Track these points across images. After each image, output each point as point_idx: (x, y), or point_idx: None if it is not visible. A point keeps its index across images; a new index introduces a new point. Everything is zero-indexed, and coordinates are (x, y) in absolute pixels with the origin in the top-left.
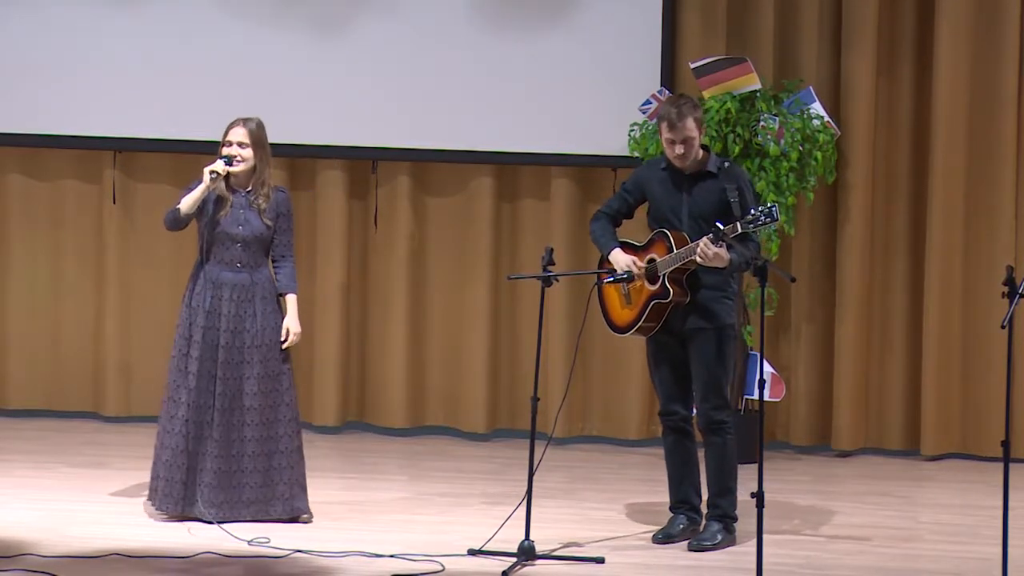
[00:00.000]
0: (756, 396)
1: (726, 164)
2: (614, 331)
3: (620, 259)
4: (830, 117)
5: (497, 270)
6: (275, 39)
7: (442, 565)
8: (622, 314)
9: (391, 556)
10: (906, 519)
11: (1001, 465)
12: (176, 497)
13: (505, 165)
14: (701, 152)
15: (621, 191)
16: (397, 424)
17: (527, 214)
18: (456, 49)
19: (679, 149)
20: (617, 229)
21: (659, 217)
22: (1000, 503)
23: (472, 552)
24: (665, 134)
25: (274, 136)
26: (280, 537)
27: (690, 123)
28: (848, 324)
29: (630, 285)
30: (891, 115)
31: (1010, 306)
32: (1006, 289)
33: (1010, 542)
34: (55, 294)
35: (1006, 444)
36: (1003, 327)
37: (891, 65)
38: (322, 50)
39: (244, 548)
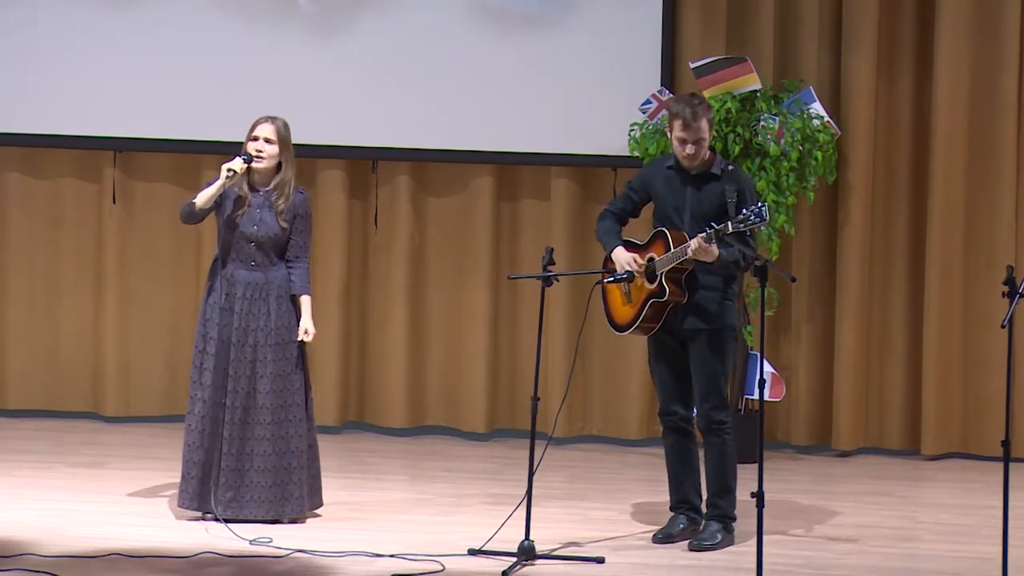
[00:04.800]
0: (756, 396)
1: (730, 167)
2: (615, 329)
3: (621, 257)
4: (830, 117)
5: (497, 270)
6: (275, 39)
7: (442, 565)
8: (622, 312)
9: (391, 556)
10: (906, 519)
11: (1001, 465)
12: (192, 494)
13: (505, 165)
14: (708, 152)
15: (627, 190)
16: (397, 424)
17: (527, 214)
18: (456, 49)
19: (690, 149)
20: (624, 228)
21: (662, 215)
22: (1000, 503)
23: (472, 552)
24: (677, 132)
25: None
26: (281, 537)
27: (704, 124)
28: (848, 324)
29: (630, 284)
30: (891, 115)
31: (1010, 306)
32: (1006, 289)
33: (1010, 542)
34: (54, 293)
35: (1006, 444)
36: (1003, 327)
37: (891, 65)
38: (322, 50)
39: (245, 548)
